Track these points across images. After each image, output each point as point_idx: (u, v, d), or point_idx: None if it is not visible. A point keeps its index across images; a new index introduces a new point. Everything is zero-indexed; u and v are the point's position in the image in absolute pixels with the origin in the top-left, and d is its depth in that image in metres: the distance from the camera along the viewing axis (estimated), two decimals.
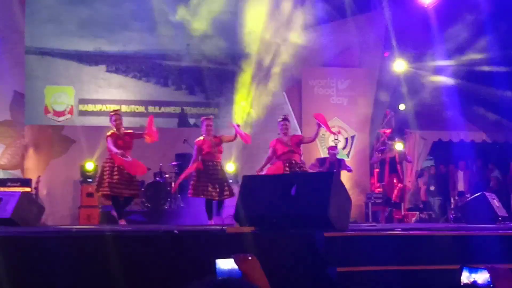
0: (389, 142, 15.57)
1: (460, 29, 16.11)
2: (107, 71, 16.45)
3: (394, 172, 14.93)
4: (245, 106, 16.20)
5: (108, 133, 11.41)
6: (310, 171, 13.19)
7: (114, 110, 12.08)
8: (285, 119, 12.16)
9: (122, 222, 11.44)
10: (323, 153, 16.50)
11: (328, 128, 12.25)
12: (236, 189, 11.14)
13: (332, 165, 14.63)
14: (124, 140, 11.44)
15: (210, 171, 11.55)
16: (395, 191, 14.85)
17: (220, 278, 1.87)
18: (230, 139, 12.02)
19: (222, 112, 16.42)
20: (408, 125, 17.57)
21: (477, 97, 16.88)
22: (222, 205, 11.93)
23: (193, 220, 12.46)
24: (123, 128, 11.56)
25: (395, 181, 14.86)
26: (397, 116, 17.89)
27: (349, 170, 14.84)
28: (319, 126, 11.90)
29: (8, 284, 6.72)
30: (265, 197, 8.24)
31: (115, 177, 11.23)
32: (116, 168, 11.27)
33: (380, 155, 15.72)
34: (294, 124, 16.01)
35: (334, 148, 15.34)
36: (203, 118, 12.05)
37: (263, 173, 11.73)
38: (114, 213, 11.76)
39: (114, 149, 11.18)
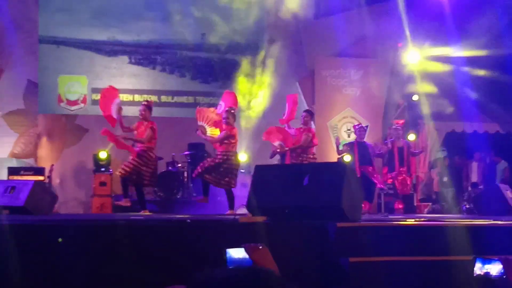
0: (393, 127, 15.12)
1: (476, 19, 16.01)
2: (120, 60, 16.45)
3: (402, 164, 14.61)
4: (255, 95, 16.21)
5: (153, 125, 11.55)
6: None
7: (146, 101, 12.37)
8: (309, 111, 12.42)
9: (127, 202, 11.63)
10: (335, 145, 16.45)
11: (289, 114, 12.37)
12: (248, 179, 11.14)
13: (361, 145, 14.17)
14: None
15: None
16: (403, 185, 14.57)
17: (231, 267, 1.86)
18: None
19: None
20: (422, 116, 17.49)
21: (491, 88, 16.78)
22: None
23: (205, 209, 12.48)
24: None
25: (404, 174, 14.54)
26: (410, 107, 17.80)
27: (375, 155, 14.43)
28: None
29: (21, 272, 6.74)
30: (278, 187, 8.24)
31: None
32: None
33: (389, 145, 15.51)
34: None
35: (359, 124, 14.91)
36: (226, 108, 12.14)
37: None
38: (124, 203, 11.77)
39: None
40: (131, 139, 11.70)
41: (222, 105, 12.17)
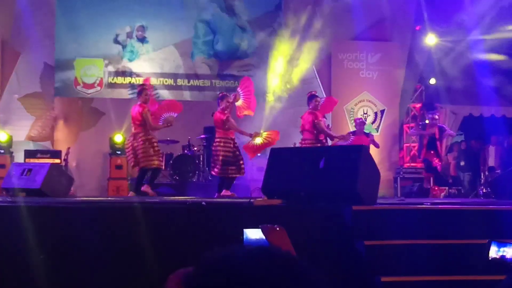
0: (430, 116, 15.25)
1: (494, 2, 15.88)
2: (137, 43, 16.43)
3: (433, 149, 14.67)
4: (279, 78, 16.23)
5: (146, 108, 11.53)
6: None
7: (147, 84, 12.41)
8: (316, 95, 12.37)
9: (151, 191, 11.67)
10: (352, 129, 16.42)
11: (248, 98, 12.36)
12: (264, 162, 11.16)
13: (359, 138, 14.46)
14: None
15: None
16: (432, 164, 14.62)
17: (240, 247, 1.84)
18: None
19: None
20: (439, 100, 17.41)
21: (510, 71, 16.66)
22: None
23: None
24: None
25: (434, 158, 14.60)
26: (427, 91, 17.72)
27: (377, 146, 14.69)
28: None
29: (39, 253, 6.79)
30: (293, 170, 8.24)
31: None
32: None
33: (420, 127, 15.52)
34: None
35: (360, 118, 15.23)
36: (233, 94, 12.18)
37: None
38: (144, 188, 11.81)
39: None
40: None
41: (240, 92, 12.21)
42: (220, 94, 12.24)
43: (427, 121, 15.95)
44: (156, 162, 11.54)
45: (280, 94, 16.21)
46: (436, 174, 14.83)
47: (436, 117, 15.10)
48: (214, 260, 1.78)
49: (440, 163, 14.82)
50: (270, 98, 16.05)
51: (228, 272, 1.74)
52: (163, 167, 13.15)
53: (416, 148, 17.01)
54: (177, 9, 16.43)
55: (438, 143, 14.63)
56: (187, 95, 16.49)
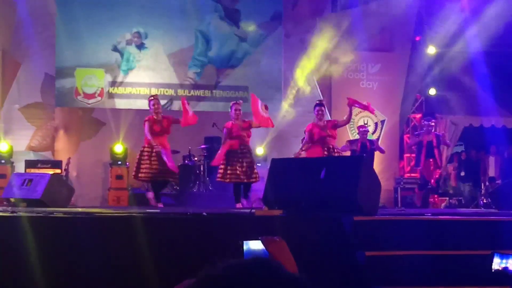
0: (426, 123, 15.24)
1: (492, 13, 15.89)
2: (137, 54, 16.44)
3: (431, 156, 14.65)
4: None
5: (146, 118, 11.56)
6: (342, 153, 13.14)
7: (153, 95, 12.34)
8: (320, 104, 12.24)
9: (161, 205, 11.59)
10: (352, 136, 16.41)
11: (361, 105, 12.31)
12: (265, 172, 11.14)
13: (364, 146, 14.46)
14: (161, 125, 11.62)
15: (238, 155, 11.61)
16: (434, 175, 14.60)
17: (248, 258, 1.86)
18: (258, 125, 12.02)
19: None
20: (439, 110, 17.42)
21: (510, 81, 16.68)
22: (250, 188, 11.96)
23: (222, 203, 12.48)
24: (161, 113, 11.77)
25: (432, 166, 14.59)
26: (427, 101, 17.73)
27: (382, 151, 14.68)
28: (351, 106, 12.01)
29: (39, 263, 6.78)
30: (294, 180, 8.23)
31: (154, 163, 11.44)
32: (154, 155, 11.45)
33: (417, 138, 15.53)
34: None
35: (364, 126, 15.16)
36: (232, 102, 12.09)
37: (302, 156, 11.79)
38: (150, 196, 11.83)
39: (149, 136, 11.43)
40: None
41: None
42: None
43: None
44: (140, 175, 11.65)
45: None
46: (426, 192, 14.74)
47: (432, 123, 15.03)
48: (214, 273, 1.81)
49: (438, 173, 14.78)
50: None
51: (228, 286, 1.77)
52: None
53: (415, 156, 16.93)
54: (176, 19, 16.45)
55: (436, 150, 14.59)
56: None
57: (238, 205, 11.53)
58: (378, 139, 16.53)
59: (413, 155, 16.94)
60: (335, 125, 12.14)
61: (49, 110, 15.96)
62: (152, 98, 12.02)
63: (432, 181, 14.50)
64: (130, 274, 6.95)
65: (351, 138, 15.93)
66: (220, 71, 16.73)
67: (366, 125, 15.93)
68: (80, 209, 10.57)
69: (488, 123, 17.46)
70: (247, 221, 7.44)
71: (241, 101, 12.27)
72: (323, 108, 12.18)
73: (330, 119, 12.54)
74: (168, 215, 8.30)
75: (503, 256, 4.22)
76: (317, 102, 12.44)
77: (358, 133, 15.11)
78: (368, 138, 14.95)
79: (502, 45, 16.50)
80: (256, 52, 16.74)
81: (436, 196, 14.83)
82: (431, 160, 14.38)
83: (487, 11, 15.90)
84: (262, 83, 16.45)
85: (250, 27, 16.72)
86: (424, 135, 14.52)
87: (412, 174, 16.77)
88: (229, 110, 11.96)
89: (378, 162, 15.26)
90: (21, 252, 6.81)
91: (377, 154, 15.04)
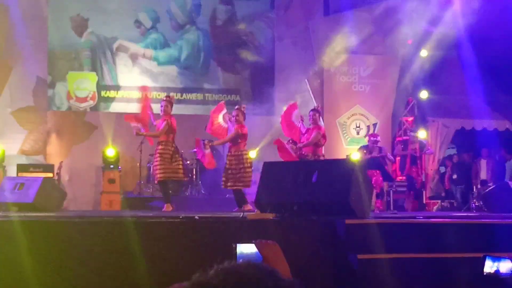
0: (412, 134, 15.40)
1: (484, 15, 15.92)
2: (129, 57, 16.46)
3: (414, 164, 14.84)
4: None
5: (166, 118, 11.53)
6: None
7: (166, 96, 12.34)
8: (316, 110, 12.27)
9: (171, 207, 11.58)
10: (345, 142, 16.44)
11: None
12: (257, 176, 11.12)
13: (371, 152, 14.44)
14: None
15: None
16: (417, 182, 14.79)
17: (240, 261, 1.86)
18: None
19: (243, 101, 16.40)
20: (431, 113, 17.45)
21: (502, 84, 16.73)
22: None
23: (214, 207, 12.47)
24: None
25: (414, 175, 14.81)
26: (419, 104, 17.77)
27: (391, 160, 14.66)
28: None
29: (31, 268, 6.76)
30: (286, 183, 8.24)
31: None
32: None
33: (402, 146, 15.63)
34: None
35: (375, 135, 15.00)
36: (237, 107, 12.03)
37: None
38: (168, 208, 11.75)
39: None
40: (148, 135, 11.76)
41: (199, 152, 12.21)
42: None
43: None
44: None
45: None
46: (416, 191, 14.92)
47: (417, 134, 15.31)
48: (207, 278, 1.81)
49: (420, 179, 14.97)
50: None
51: None
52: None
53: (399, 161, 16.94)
54: (166, 23, 16.54)
55: (418, 160, 14.84)
56: (180, 109, 16.50)
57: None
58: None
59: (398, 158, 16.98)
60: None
61: (41, 114, 15.95)
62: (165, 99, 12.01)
63: (417, 185, 14.72)
64: (122, 278, 6.94)
65: (345, 145, 15.97)
66: (211, 74, 16.77)
67: (358, 128, 15.94)
68: (72, 213, 10.57)
69: (480, 126, 17.50)
70: (239, 225, 7.44)
71: (244, 106, 12.20)
72: (317, 114, 12.16)
73: (320, 124, 12.41)
74: (160, 219, 8.29)
75: (494, 259, 4.23)
76: (314, 107, 12.45)
77: (368, 141, 14.91)
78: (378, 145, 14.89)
79: (493, 48, 16.53)
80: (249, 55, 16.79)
81: (413, 201, 14.97)
82: (414, 168, 14.61)
83: (479, 13, 15.94)
84: (255, 86, 16.48)
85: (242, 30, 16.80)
86: (410, 144, 14.73)
87: (404, 177, 16.81)
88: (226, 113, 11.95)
89: None
90: (13, 256, 6.80)
91: None
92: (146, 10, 16.52)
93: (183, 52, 16.69)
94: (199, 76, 16.80)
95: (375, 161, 13.93)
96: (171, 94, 16.36)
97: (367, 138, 15.28)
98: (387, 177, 14.02)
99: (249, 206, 11.08)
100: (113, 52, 16.31)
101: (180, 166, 11.54)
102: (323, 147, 12.36)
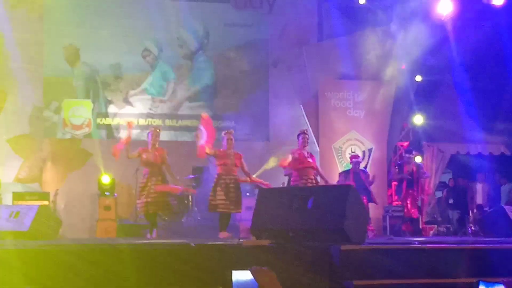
0: (407, 155, 15.47)
1: (477, 40, 16.03)
2: (124, 84, 16.50)
3: (411, 187, 14.93)
4: None
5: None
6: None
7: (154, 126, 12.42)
8: (305, 133, 12.25)
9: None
10: (340, 167, 16.44)
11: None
12: (252, 202, 11.13)
13: (357, 175, 14.53)
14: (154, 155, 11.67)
15: (227, 185, 11.60)
16: (411, 208, 14.86)
17: None
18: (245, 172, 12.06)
19: (239, 125, 16.44)
20: (426, 138, 17.51)
21: (496, 109, 16.80)
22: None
23: (210, 233, 12.45)
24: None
25: (409, 200, 14.89)
26: (414, 129, 17.81)
27: (371, 182, 14.80)
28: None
29: None
30: (282, 210, 8.24)
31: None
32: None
33: (397, 170, 15.67)
34: (311, 137, 16.00)
35: (356, 156, 15.19)
36: (224, 132, 12.10)
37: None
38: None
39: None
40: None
41: (202, 130, 12.07)
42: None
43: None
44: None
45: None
46: (412, 221, 14.97)
47: (412, 156, 15.38)
48: None
49: (417, 207, 15.03)
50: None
51: None
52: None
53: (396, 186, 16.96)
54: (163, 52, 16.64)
55: (415, 183, 14.89)
56: (176, 135, 16.55)
57: (222, 234, 11.52)
58: (366, 167, 16.55)
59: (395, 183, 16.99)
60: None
61: (37, 141, 15.94)
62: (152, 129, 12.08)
63: (415, 215, 14.75)
64: None
65: (340, 170, 16.01)
66: (207, 100, 16.84)
67: (354, 153, 15.95)
68: (68, 241, 10.54)
69: (475, 150, 17.56)
70: (235, 252, 7.43)
71: (232, 130, 12.26)
72: (307, 136, 12.21)
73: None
74: (156, 246, 8.29)
75: (488, 284, 4.25)
76: (304, 130, 12.43)
77: (350, 163, 15.12)
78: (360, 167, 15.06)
79: (487, 73, 16.62)
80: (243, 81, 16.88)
81: (406, 224, 14.98)
82: (410, 191, 14.71)
83: (473, 39, 16.04)
84: (250, 111, 16.51)
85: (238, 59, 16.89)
86: (405, 166, 14.79)
87: (400, 202, 16.80)
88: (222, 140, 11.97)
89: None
90: (8, 285, 6.78)
91: None
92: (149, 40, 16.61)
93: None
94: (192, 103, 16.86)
95: (361, 186, 14.04)
96: (167, 120, 16.49)
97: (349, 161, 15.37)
98: (371, 199, 14.21)
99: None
100: (105, 83, 16.36)
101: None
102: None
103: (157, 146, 11.79)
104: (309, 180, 11.90)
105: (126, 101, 16.42)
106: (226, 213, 11.63)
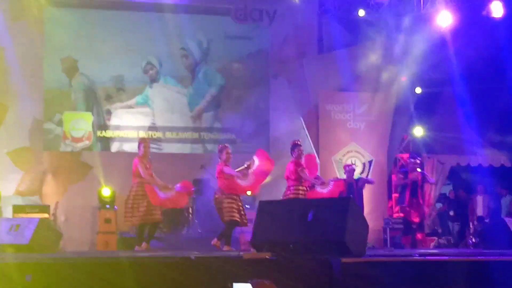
0: (412, 160, 15.41)
1: (477, 52, 16.06)
2: (126, 96, 16.52)
3: (415, 196, 14.88)
4: None
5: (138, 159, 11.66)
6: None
7: (143, 138, 12.42)
8: (299, 144, 12.30)
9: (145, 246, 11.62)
10: (341, 177, 16.44)
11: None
12: (253, 215, 11.13)
13: (350, 186, 14.56)
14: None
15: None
16: (417, 214, 14.79)
17: None
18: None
19: (239, 137, 16.47)
20: (426, 150, 17.52)
21: (496, 120, 16.83)
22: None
23: (210, 246, 12.44)
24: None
25: (415, 205, 14.82)
26: (414, 141, 17.83)
27: (371, 182, 14.82)
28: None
29: None
30: (282, 222, 8.25)
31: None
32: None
33: (402, 176, 15.66)
34: (311, 150, 16.02)
35: (350, 165, 15.25)
36: (220, 146, 12.10)
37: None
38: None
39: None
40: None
41: (255, 161, 12.10)
42: (220, 147, 12.18)
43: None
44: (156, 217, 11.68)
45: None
46: (414, 231, 14.93)
47: (418, 161, 15.32)
48: None
49: (423, 212, 14.98)
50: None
51: None
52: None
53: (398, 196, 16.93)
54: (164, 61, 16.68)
55: (419, 190, 14.83)
56: (176, 148, 16.56)
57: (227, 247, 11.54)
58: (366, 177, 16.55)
59: (396, 195, 16.97)
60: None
61: (37, 154, 15.95)
62: (142, 140, 12.09)
63: (417, 220, 14.69)
64: None
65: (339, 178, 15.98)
66: (207, 112, 16.86)
67: (353, 165, 15.94)
68: (69, 254, 10.53)
69: (475, 162, 17.57)
70: (235, 265, 7.43)
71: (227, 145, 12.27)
72: (301, 148, 12.26)
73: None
74: (156, 259, 8.28)
75: None
76: (297, 143, 12.43)
77: (344, 173, 15.17)
78: (354, 177, 15.07)
79: (487, 85, 16.64)
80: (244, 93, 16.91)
81: (422, 234, 14.93)
82: (414, 199, 14.65)
83: (473, 51, 16.08)
84: (250, 123, 16.53)
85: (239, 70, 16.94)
86: (410, 174, 14.76)
87: (401, 214, 16.79)
88: (219, 153, 11.97)
89: (367, 202, 15.29)
90: None
91: (365, 194, 15.10)
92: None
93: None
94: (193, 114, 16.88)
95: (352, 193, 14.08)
96: (167, 133, 16.51)
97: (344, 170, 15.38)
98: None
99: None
100: (107, 95, 16.39)
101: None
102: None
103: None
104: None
105: (127, 114, 16.42)
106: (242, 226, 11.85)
